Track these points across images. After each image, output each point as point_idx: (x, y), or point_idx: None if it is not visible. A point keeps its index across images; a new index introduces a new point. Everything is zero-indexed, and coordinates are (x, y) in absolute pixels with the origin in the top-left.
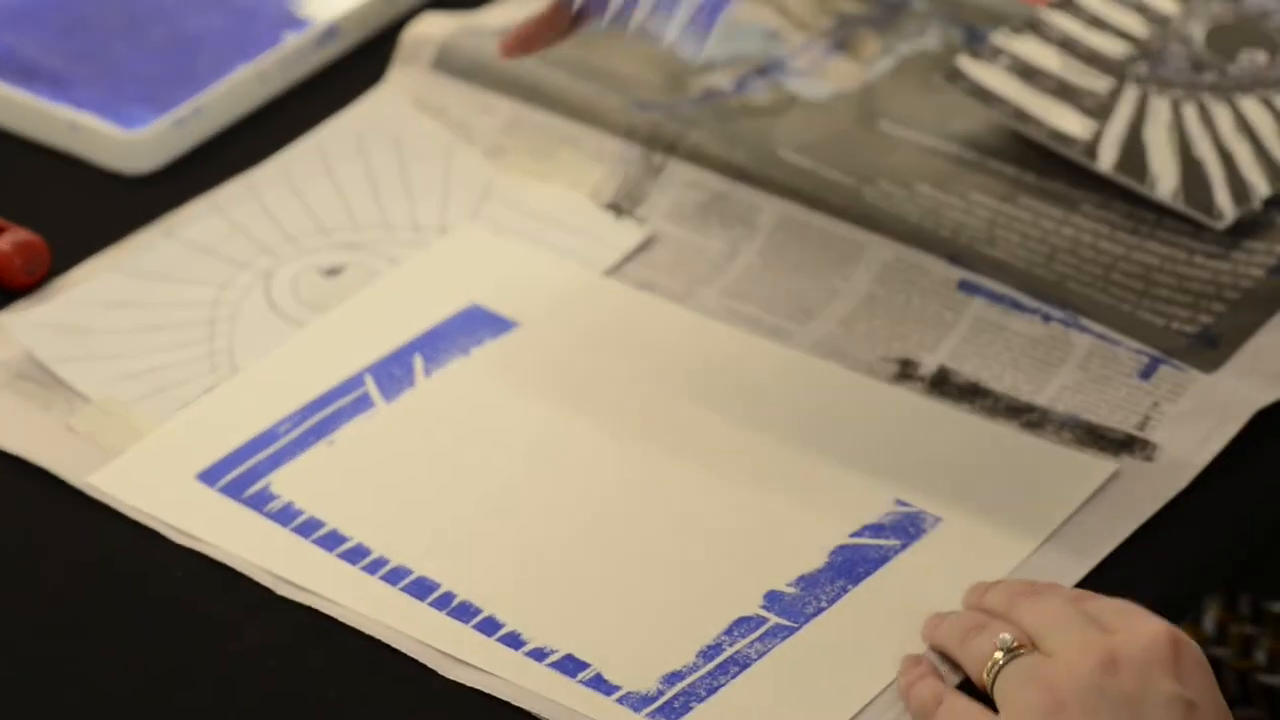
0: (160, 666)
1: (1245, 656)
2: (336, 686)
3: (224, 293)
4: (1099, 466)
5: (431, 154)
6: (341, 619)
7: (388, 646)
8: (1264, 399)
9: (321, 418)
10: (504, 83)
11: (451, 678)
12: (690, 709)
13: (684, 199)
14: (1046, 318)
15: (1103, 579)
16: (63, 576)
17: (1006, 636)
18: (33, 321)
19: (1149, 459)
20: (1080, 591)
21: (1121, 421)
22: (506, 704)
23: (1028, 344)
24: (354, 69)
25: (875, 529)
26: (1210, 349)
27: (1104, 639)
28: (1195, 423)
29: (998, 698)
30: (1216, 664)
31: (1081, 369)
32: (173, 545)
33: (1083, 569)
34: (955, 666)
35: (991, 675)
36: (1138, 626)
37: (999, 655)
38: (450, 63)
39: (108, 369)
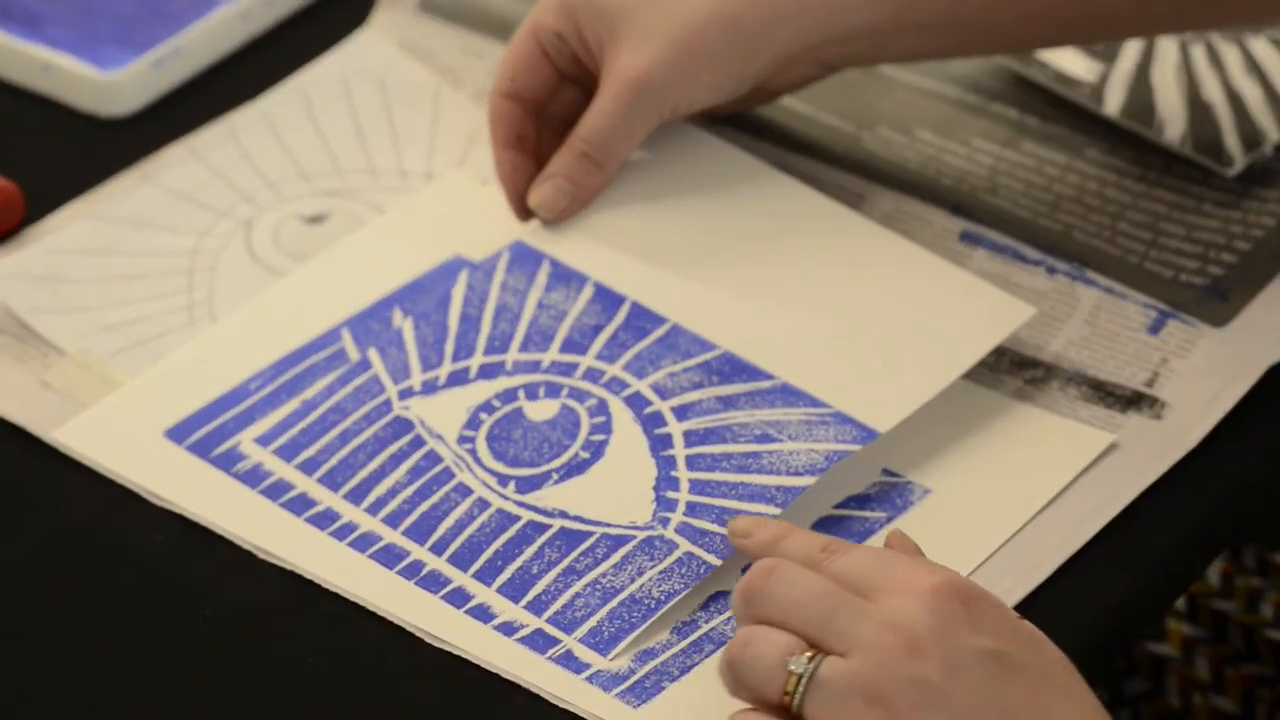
0: (136, 628)
1: (1251, 611)
2: (316, 651)
3: (203, 241)
4: (1096, 437)
5: (418, 98)
6: (320, 583)
7: (370, 611)
8: (1276, 354)
9: (295, 374)
10: (492, 25)
11: (436, 645)
12: (662, 688)
13: None
14: (1051, 270)
15: (1108, 541)
16: (40, 535)
17: (801, 660)
18: (5, 271)
19: (1157, 417)
20: (788, 529)
21: (1129, 378)
22: (492, 672)
23: (1032, 297)
24: (338, 9)
25: (861, 500)
26: (1220, 302)
27: (887, 611)
28: (1205, 379)
29: (815, 718)
30: (1222, 618)
31: (1088, 323)
32: (152, 505)
33: (1086, 534)
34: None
35: (798, 696)
36: (911, 584)
37: (794, 680)
38: (437, 4)
39: (84, 321)
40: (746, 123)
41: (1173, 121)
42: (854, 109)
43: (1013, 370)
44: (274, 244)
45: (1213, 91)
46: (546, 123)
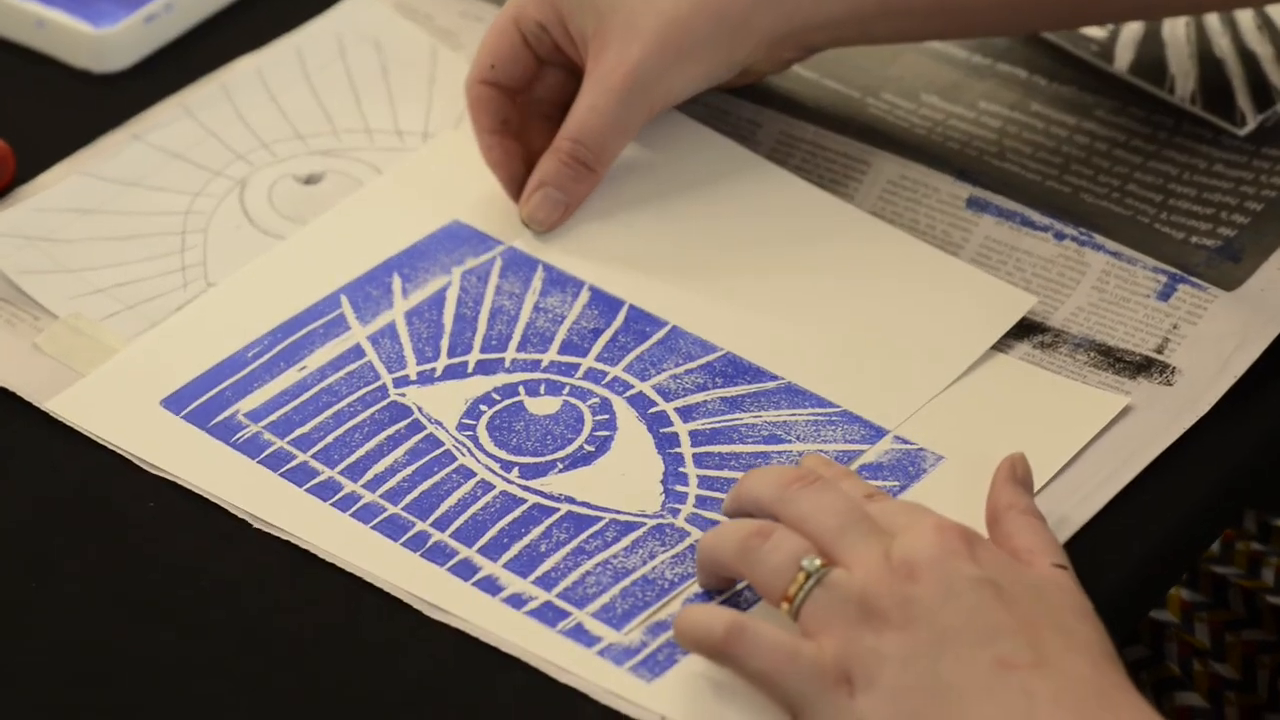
0: (130, 600)
1: (1252, 576)
2: (312, 624)
3: (196, 201)
4: (1110, 400)
5: (414, 58)
6: (322, 555)
7: (367, 583)
8: None
9: (293, 341)
10: None
11: (435, 617)
12: (675, 661)
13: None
14: (1060, 236)
15: (1119, 509)
16: (31, 504)
17: (814, 561)
18: None
19: (1168, 383)
20: (847, 473)
21: (1139, 344)
22: (492, 646)
23: (1040, 264)
24: None
25: (873, 469)
26: (1232, 263)
27: (895, 544)
28: (1217, 344)
29: (807, 622)
30: (1222, 583)
31: (1097, 289)
32: (145, 473)
33: (1099, 501)
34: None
35: (801, 595)
36: (921, 523)
37: (804, 577)
38: None
39: (75, 283)
40: (750, 90)
41: (1183, 79)
42: (859, 75)
43: (1021, 335)
44: (268, 204)
45: (1224, 49)
46: (529, 105)
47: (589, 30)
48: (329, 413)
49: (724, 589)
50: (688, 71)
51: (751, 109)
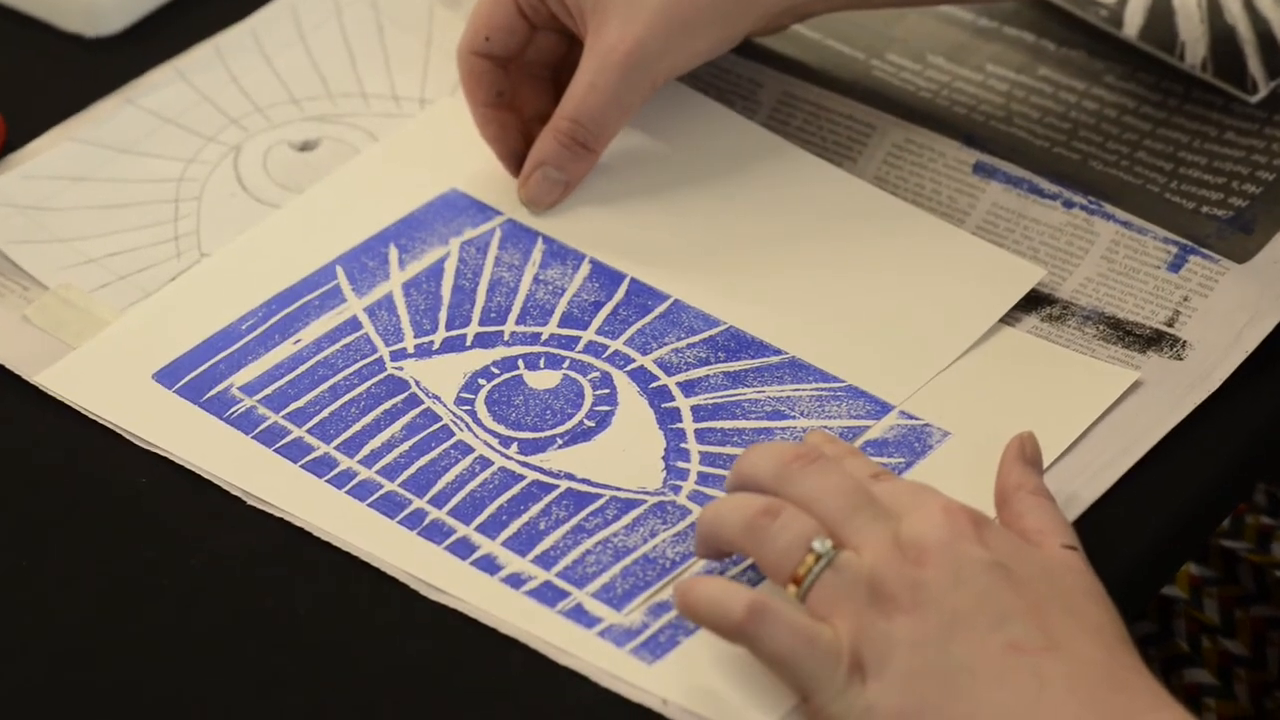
0: (119, 578)
1: (1262, 550)
2: (307, 604)
3: (190, 168)
4: (1120, 375)
5: (411, 18)
6: (312, 531)
7: (363, 561)
8: None
9: (288, 313)
10: None
11: (432, 598)
12: (677, 643)
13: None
14: (1069, 204)
15: (1129, 486)
16: (19, 479)
17: (826, 543)
18: None
19: (1179, 357)
20: (852, 451)
21: (1149, 316)
22: (491, 627)
23: (1048, 232)
24: None
25: (878, 445)
26: (1243, 235)
27: (903, 527)
28: (1228, 317)
29: (816, 604)
30: (1232, 558)
31: (1106, 259)
32: (137, 448)
33: (1109, 479)
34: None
35: (811, 576)
36: (928, 504)
37: (813, 559)
38: None
39: (65, 253)
40: (753, 50)
41: (1194, 45)
42: (864, 35)
43: (1028, 308)
44: (263, 172)
45: (1235, 14)
46: (521, 68)
47: (587, 2)
48: (324, 386)
49: (721, 560)
50: (690, 47)
51: (753, 68)
